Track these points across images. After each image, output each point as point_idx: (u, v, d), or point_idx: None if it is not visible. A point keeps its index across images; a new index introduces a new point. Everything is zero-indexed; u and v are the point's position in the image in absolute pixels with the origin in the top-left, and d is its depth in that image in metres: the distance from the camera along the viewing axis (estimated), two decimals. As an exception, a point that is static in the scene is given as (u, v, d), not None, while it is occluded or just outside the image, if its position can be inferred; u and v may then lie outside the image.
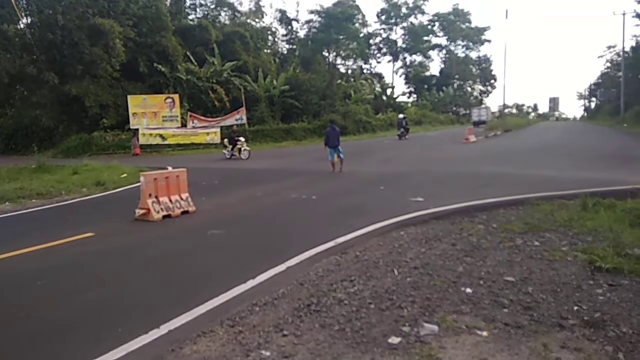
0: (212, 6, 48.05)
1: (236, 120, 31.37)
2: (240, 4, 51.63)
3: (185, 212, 9.15)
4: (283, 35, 54.08)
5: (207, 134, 30.81)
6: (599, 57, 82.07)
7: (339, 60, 52.74)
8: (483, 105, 67.03)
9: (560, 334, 3.55)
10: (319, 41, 44.71)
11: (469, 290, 4.48)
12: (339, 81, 46.96)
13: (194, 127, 31.12)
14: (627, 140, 24.46)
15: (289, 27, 52.93)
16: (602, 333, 3.53)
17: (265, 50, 47.83)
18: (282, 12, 51.93)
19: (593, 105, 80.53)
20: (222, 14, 49.33)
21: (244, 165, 19.03)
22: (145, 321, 4.08)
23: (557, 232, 6.42)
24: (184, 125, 30.96)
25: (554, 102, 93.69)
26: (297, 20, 52.09)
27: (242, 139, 23.04)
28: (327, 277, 5.13)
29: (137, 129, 29.83)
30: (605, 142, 24.39)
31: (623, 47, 49.01)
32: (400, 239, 6.57)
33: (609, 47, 58.53)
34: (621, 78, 48.51)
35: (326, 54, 48.66)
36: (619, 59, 51.71)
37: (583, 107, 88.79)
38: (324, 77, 43.61)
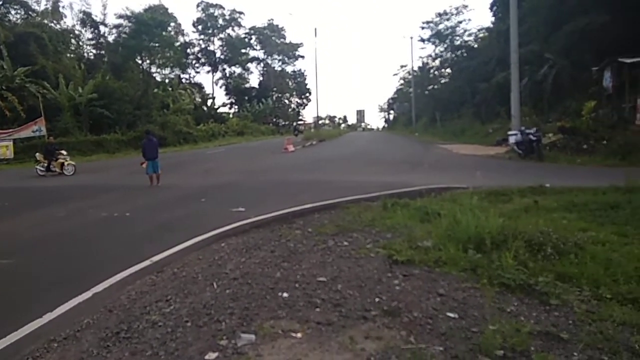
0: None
1: (33, 132, 27.59)
2: (38, 2, 44.84)
3: (-39, 242, 7.65)
4: (89, 40, 49.10)
5: (-4, 148, 26.45)
6: (394, 74, 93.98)
7: (154, 69, 50.07)
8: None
9: (364, 325, 3.89)
10: (130, 47, 41.84)
11: (285, 294, 4.63)
12: (156, 90, 44.59)
13: (-23, 141, 26.37)
14: (418, 148, 28.42)
15: (96, 31, 48.26)
16: (398, 320, 3.96)
17: (68, 55, 42.85)
18: (87, 15, 47.16)
19: (391, 117, 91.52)
20: (12, 12, 42.59)
21: (44, 183, 16.71)
22: None
23: (363, 232, 7.07)
24: (-37, 138, 26.02)
25: (360, 114, 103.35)
26: (104, 24, 47.72)
27: (64, 152, 20.38)
28: (140, 300, 4.79)
29: None
30: (401, 149, 27.92)
31: (412, 67, 57.42)
32: (221, 251, 6.51)
33: (402, 66, 67.45)
34: (412, 94, 56.43)
35: (140, 61, 45.76)
36: (410, 76, 60.06)
37: (384, 119, 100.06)
38: (138, 86, 41.01)
